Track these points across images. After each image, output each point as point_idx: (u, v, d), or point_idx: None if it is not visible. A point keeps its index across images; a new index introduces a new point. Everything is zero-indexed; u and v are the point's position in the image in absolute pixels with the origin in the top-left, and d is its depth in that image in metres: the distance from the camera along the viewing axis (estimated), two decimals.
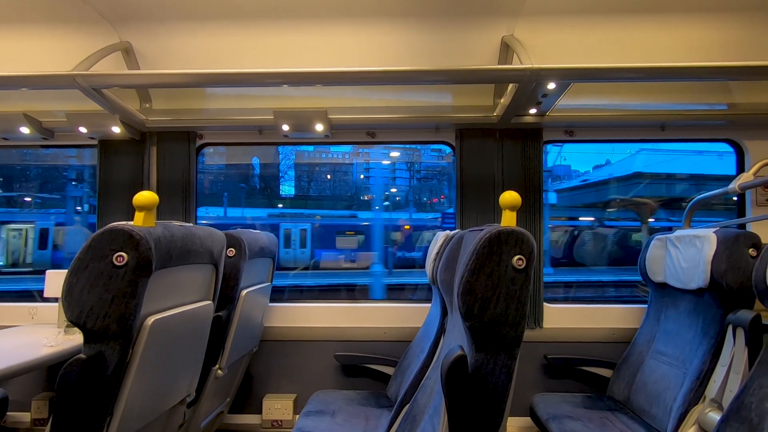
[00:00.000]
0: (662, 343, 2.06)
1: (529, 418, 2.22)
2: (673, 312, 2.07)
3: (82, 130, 2.44)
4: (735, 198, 2.62)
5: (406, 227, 9.98)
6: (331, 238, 9.54)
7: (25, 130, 2.46)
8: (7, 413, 2.56)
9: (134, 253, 1.20)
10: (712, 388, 1.67)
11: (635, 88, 2.47)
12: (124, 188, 2.57)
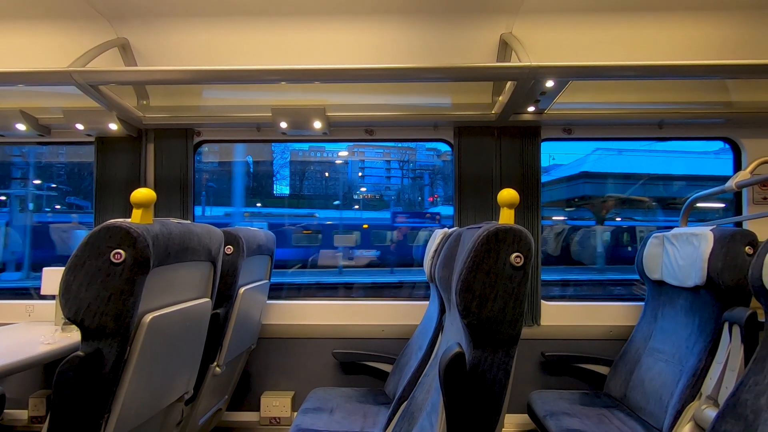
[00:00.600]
0: (659, 341, 2.07)
1: (526, 415, 2.23)
2: (670, 310, 2.08)
3: (79, 127, 2.42)
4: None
5: (365, 227, 10.01)
6: (290, 238, 9.48)
7: (21, 126, 2.45)
8: (4, 411, 2.55)
9: (132, 251, 1.19)
10: (708, 385, 1.68)
11: (633, 86, 2.48)
12: (121, 185, 2.56)
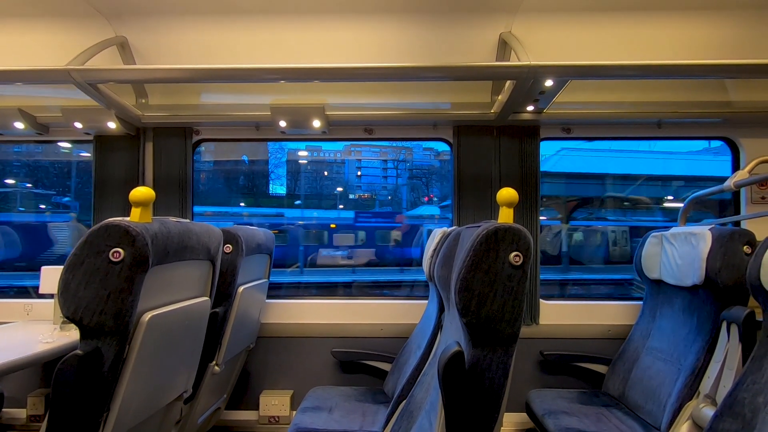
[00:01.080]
0: (657, 340, 2.08)
1: (525, 413, 2.24)
2: (668, 309, 2.09)
3: (78, 125, 2.42)
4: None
5: (332, 226, 10.03)
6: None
7: (19, 125, 2.44)
8: (3, 409, 2.55)
9: (131, 249, 1.19)
10: (706, 383, 1.69)
11: (632, 85, 2.48)
12: (120, 184, 2.56)
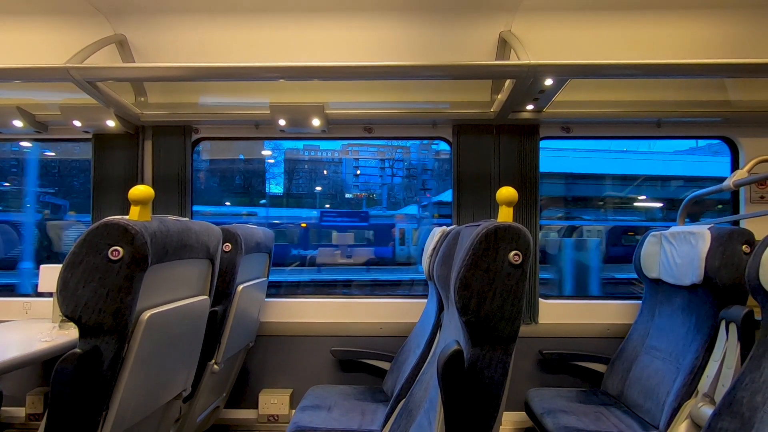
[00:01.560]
0: (656, 339, 2.08)
1: (524, 412, 2.24)
2: (667, 308, 2.09)
3: (77, 123, 2.41)
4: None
5: (303, 225, 10.03)
6: None
7: (18, 123, 2.44)
8: (2, 408, 2.55)
9: (130, 248, 1.19)
10: (705, 382, 1.69)
11: (632, 84, 2.48)
12: (119, 182, 2.55)
